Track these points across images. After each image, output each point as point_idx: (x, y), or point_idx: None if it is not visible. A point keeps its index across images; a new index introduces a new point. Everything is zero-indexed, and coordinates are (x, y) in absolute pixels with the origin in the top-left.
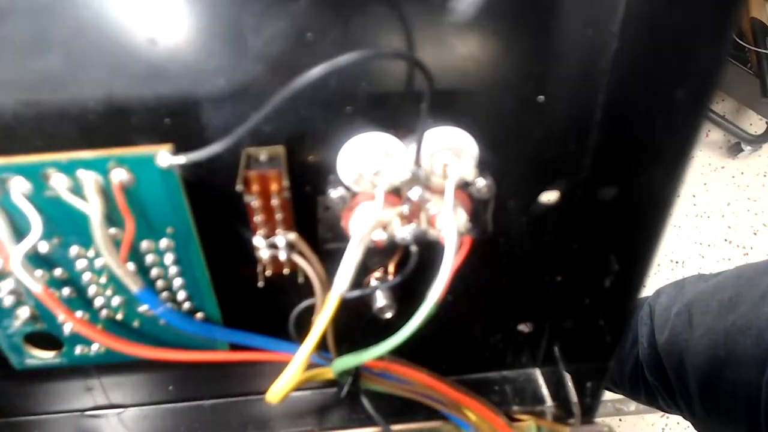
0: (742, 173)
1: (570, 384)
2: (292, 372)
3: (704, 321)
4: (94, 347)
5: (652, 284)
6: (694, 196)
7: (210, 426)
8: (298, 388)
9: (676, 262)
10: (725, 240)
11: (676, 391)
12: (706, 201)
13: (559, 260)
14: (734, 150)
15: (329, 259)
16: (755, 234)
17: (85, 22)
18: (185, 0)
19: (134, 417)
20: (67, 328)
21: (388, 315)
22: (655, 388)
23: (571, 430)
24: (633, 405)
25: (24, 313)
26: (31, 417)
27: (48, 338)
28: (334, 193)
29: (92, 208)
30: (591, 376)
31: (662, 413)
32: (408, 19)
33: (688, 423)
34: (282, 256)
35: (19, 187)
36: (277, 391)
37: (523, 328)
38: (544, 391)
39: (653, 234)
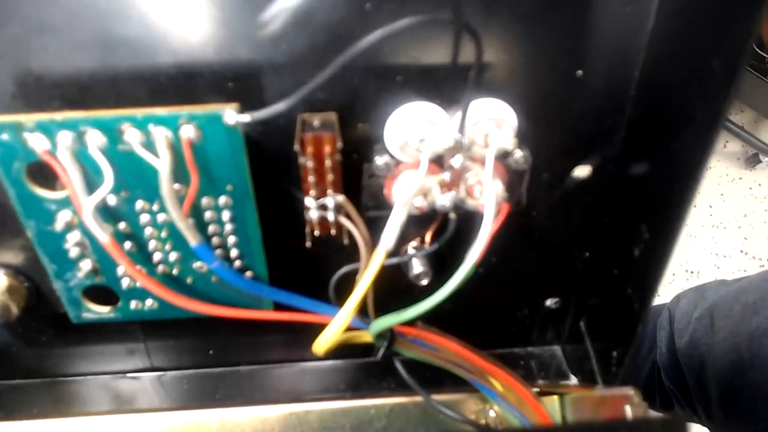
0: (760, 185)
1: (594, 354)
2: (339, 324)
3: (727, 325)
4: (148, 303)
5: (666, 294)
6: (710, 206)
7: (246, 391)
8: (332, 357)
9: (692, 272)
10: (741, 251)
11: (694, 395)
12: (723, 212)
13: (588, 235)
14: (752, 161)
15: (370, 227)
16: None
17: None
18: None
19: (174, 380)
20: (125, 283)
21: (424, 282)
22: (672, 393)
23: (596, 391)
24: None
25: (86, 265)
26: (76, 377)
27: (104, 295)
28: (380, 160)
29: (162, 162)
30: (617, 344)
31: None
32: None
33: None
34: (330, 217)
35: (95, 141)
36: (323, 343)
37: (551, 303)
38: (568, 367)
39: (685, 200)
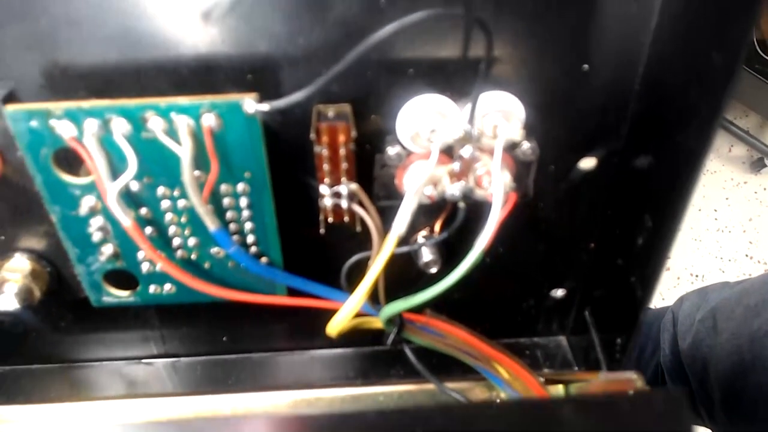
0: (765, 189)
1: (599, 343)
2: (351, 306)
3: (729, 326)
4: (166, 287)
5: (671, 297)
6: (715, 210)
7: (258, 378)
8: (341, 345)
9: (697, 276)
10: (746, 255)
11: (697, 397)
12: (728, 216)
13: (593, 226)
14: (757, 165)
15: (382, 216)
16: None
17: None
18: None
19: (187, 366)
20: (145, 267)
21: (434, 269)
22: None
23: (600, 376)
24: None
25: (108, 250)
26: (92, 362)
27: (124, 279)
28: (392, 150)
29: (184, 149)
30: (621, 331)
31: None
32: None
33: None
34: (344, 204)
35: (120, 128)
36: (335, 324)
37: (556, 293)
38: (573, 357)
39: (686, 190)
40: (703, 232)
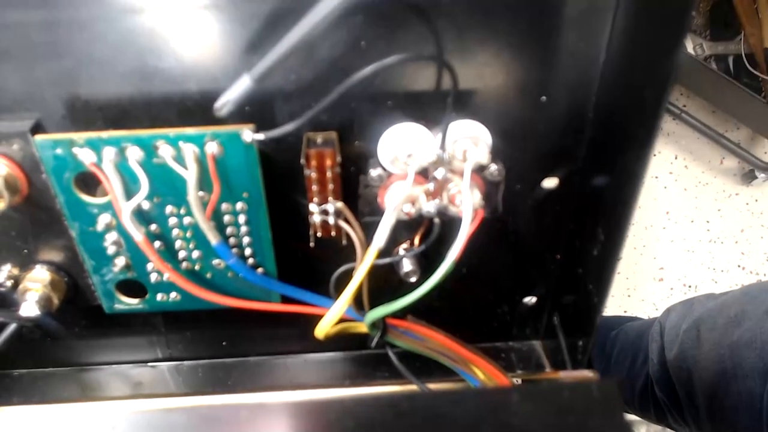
0: (756, 200)
1: (565, 346)
2: (337, 309)
3: (712, 337)
4: (172, 295)
5: (665, 308)
6: (708, 221)
7: (255, 379)
8: (331, 350)
9: (689, 287)
10: (738, 266)
11: (684, 406)
12: (720, 227)
13: (558, 239)
14: (748, 177)
15: (366, 231)
16: None
17: (191, 31)
18: (268, 20)
19: (190, 369)
20: (153, 277)
21: (413, 279)
22: (664, 405)
23: (562, 375)
24: (644, 429)
25: (120, 262)
26: (102, 366)
27: (134, 288)
28: (374, 172)
29: (190, 173)
30: (583, 334)
31: None
32: (439, 33)
33: None
34: (331, 221)
35: (134, 155)
36: (322, 327)
37: (528, 301)
38: (545, 360)
39: (628, 206)
40: (695, 243)
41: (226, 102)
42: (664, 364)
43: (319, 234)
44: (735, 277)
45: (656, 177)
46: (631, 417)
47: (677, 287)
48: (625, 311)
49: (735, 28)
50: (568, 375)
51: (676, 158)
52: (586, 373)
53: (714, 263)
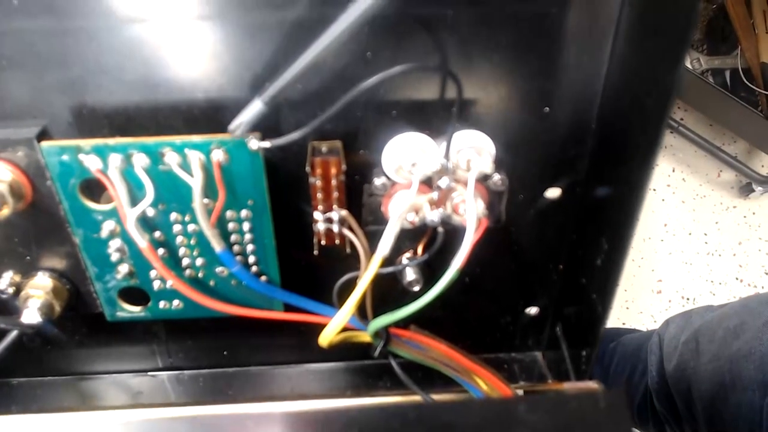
0: (754, 213)
1: (568, 356)
2: (341, 317)
3: (710, 348)
4: (175, 303)
5: (663, 320)
6: (705, 234)
7: (256, 389)
8: (333, 360)
9: (687, 299)
10: (736, 278)
11: (683, 417)
12: (718, 240)
13: (561, 249)
14: (746, 190)
15: (370, 239)
16: (766, 273)
17: (198, 40)
18: (274, 30)
19: (191, 378)
20: (156, 285)
21: (416, 288)
22: (663, 417)
23: (566, 386)
24: None
25: (124, 269)
26: (103, 375)
27: (136, 296)
28: (378, 181)
29: (195, 180)
30: (586, 344)
31: None
32: (444, 44)
33: None
34: (335, 229)
35: (140, 162)
36: (326, 335)
37: (530, 311)
38: (547, 371)
39: (632, 215)
40: (693, 255)
41: (239, 124)
42: (662, 376)
43: (323, 242)
44: (733, 289)
45: (654, 190)
46: None
47: (675, 299)
48: (623, 323)
49: (731, 42)
50: (572, 386)
51: (673, 171)
52: (591, 385)
53: (712, 276)
